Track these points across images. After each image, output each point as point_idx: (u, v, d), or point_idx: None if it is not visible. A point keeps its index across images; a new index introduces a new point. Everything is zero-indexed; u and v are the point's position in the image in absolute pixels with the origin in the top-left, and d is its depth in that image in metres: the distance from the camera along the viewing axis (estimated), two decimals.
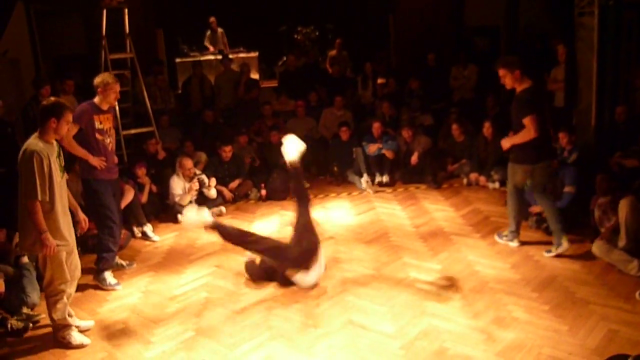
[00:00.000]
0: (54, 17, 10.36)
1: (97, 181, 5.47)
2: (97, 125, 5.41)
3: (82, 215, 4.82)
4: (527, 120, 5.42)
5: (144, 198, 7.38)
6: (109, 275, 5.61)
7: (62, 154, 4.51)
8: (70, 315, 4.61)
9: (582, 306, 4.60)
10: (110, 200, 5.53)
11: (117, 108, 8.20)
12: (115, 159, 5.78)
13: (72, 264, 4.56)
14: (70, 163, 5.85)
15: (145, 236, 6.93)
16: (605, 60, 7.43)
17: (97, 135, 5.44)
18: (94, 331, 4.72)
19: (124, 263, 6.05)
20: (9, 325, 4.65)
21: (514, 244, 5.94)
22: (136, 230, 6.98)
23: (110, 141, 5.60)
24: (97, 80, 5.42)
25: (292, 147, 5.52)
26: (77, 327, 4.62)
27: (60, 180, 4.38)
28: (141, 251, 6.54)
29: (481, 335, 4.27)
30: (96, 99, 5.43)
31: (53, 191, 4.28)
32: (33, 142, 4.27)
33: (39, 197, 4.17)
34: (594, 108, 7.61)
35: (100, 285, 5.55)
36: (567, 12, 7.99)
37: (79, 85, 9.21)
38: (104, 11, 8.15)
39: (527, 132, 5.43)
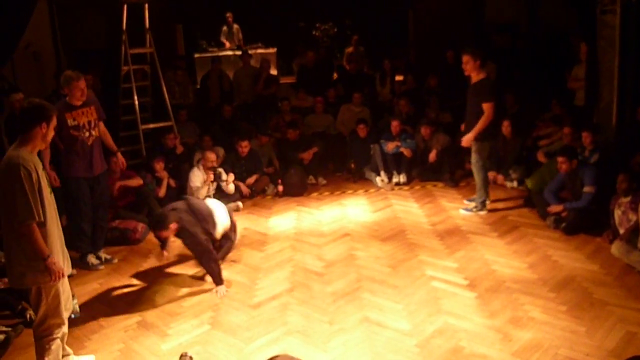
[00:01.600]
0: (76, 11, 10.47)
1: (75, 179, 5.67)
2: (70, 122, 5.52)
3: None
4: (486, 106, 6.43)
5: (162, 192, 7.44)
6: (91, 257, 5.93)
7: (45, 167, 4.05)
8: (65, 356, 4.03)
9: (600, 307, 4.55)
10: (83, 194, 5.72)
11: (136, 103, 8.33)
12: (112, 147, 6.05)
13: (65, 292, 3.91)
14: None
15: None
16: (627, 59, 7.33)
17: (72, 132, 5.54)
18: (111, 322, 4.77)
19: (106, 257, 6.13)
20: (28, 316, 4.66)
21: (484, 212, 6.88)
22: None
23: (90, 135, 5.67)
24: (62, 78, 5.58)
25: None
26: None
27: (49, 196, 3.75)
28: (158, 245, 6.58)
29: (497, 335, 4.25)
30: (68, 97, 5.57)
31: (44, 209, 3.64)
32: (15, 153, 3.58)
33: (36, 218, 3.54)
34: (615, 107, 7.51)
35: (85, 267, 5.86)
36: (589, 10, 7.89)
37: (100, 79, 9.32)
38: (125, 6, 8.21)
39: (487, 117, 6.44)
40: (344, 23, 14.77)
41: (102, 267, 5.93)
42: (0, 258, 4.90)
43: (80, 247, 5.92)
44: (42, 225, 3.62)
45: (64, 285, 3.91)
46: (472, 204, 7.03)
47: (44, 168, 3.81)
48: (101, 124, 5.86)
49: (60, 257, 3.82)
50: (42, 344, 3.80)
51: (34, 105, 3.72)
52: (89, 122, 5.66)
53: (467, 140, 6.71)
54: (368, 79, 10.93)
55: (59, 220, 3.91)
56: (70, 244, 5.87)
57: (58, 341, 3.86)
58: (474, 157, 6.80)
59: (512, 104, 9.05)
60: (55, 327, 3.83)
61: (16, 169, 3.49)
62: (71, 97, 5.53)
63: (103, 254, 6.12)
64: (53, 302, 3.77)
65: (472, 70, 6.60)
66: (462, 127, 7.13)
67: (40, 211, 3.58)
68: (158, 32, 9.45)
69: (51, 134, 3.78)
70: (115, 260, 6.13)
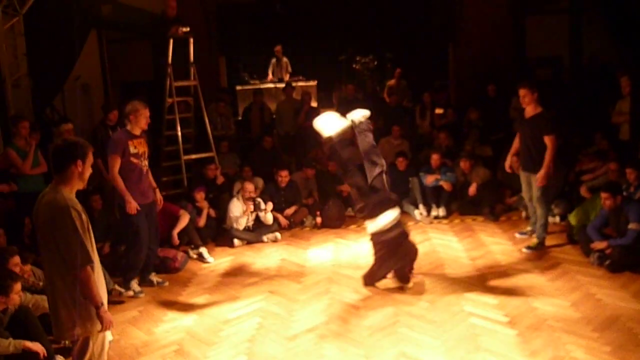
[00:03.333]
0: (124, 44, 10.84)
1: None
2: (132, 149, 5.73)
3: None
4: (549, 139, 6.42)
5: (202, 222, 7.55)
6: (134, 283, 6.02)
7: None
8: None
9: None
10: (142, 222, 5.85)
11: (179, 134, 8.53)
12: (152, 182, 6.11)
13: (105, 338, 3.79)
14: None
15: (201, 258, 7.07)
16: None
17: (133, 160, 5.75)
18: (149, 350, 4.82)
19: (158, 280, 6.31)
20: None
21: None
22: (191, 252, 7.15)
23: (145, 164, 5.89)
24: (128, 107, 5.82)
25: (328, 122, 5.95)
26: None
27: (91, 236, 3.53)
28: (197, 274, 6.67)
29: None
30: (128, 126, 5.80)
31: (94, 252, 3.50)
32: (58, 196, 3.37)
33: (93, 262, 3.41)
34: None
35: (124, 291, 5.96)
36: (633, 43, 7.81)
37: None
38: (171, 40, 8.46)
39: (552, 149, 6.43)
40: (384, 56, 14.89)
41: (142, 294, 6.00)
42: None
43: (130, 275, 6.02)
44: (92, 269, 3.44)
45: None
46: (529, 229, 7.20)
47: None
48: None
49: (105, 301, 3.61)
50: None
51: (68, 143, 3.53)
52: (144, 152, 5.90)
53: (542, 178, 6.49)
54: (408, 111, 10.96)
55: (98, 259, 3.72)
56: (116, 270, 6.07)
57: None
58: (538, 192, 6.65)
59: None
60: None
61: (66, 212, 3.31)
62: (135, 125, 5.78)
63: (155, 278, 6.28)
64: (97, 349, 3.63)
65: (530, 104, 6.58)
66: (507, 162, 7.07)
67: (91, 254, 3.42)
68: (202, 65, 9.70)
69: (88, 171, 3.56)
70: (167, 283, 6.29)
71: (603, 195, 6.20)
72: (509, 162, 7.14)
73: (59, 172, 3.46)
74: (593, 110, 9.27)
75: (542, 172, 6.49)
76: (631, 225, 5.98)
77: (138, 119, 5.74)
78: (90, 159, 3.56)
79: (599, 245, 6.14)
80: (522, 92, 6.59)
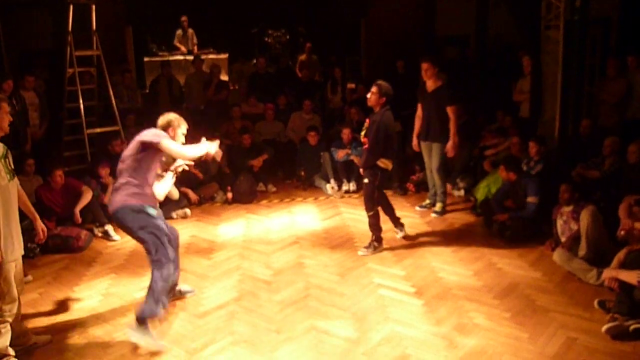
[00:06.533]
0: (20, 10, 10.15)
1: None
2: None
3: (40, 225, 4.36)
4: (451, 109, 6.82)
5: (107, 199, 7.25)
6: None
7: (9, 155, 4.00)
8: (25, 335, 4.25)
9: (542, 314, 4.66)
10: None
11: (81, 107, 8.13)
12: None
13: (17, 278, 4.03)
14: (21, 164, 5.68)
15: (106, 236, 6.81)
16: (569, 73, 7.58)
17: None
18: (51, 333, 4.58)
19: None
20: None
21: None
22: (96, 230, 6.87)
23: None
24: None
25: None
26: (35, 343, 4.31)
27: (6, 183, 3.84)
28: (102, 252, 6.42)
29: (443, 342, 4.29)
30: None
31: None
32: None
33: None
34: (557, 119, 7.76)
35: None
36: (534, 25, 8.13)
37: (44, 82, 9.05)
38: (71, 6, 7.99)
39: (456, 119, 6.85)
40: (297, 30, 14.79)
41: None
42: None
43: None
44: None
45: (18, 271, 4.00)
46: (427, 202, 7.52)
47: (5, 157, 3.90)
48: None
49: (16, 244, 3.89)
50: None
51: None
52: None
53: (451, 149, 6.96)
54: (319, 86, 10.97)
55: (15, 207, 3.96)
56: None
57: (8, 325, 3.91)
58: (437, 162, 7.09)
59: (461, 113, 9.20)
60: (6, 312, 3.87)
61: None
62: None
63: None
64: (4, 285, 3.83)
65: (431, 77, 6.93)
66: (415, 135, 7.26)
67: None
68: (106, 35, 9.27)
69: (5, 120, 3.85)
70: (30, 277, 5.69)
71: (501, 168, 6.53)
72: (415, 142, 7.40)
73: None
74: (496, 89, 9.63)
75: (450, 143, 6.90)
76: (529, 199, 6.30)
77: None
78: (5, 108, 3.85)
79: (500, 217, 6.44)
80: (425, 65, 6.90)
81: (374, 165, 5.90)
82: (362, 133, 6.07)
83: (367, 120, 6.02)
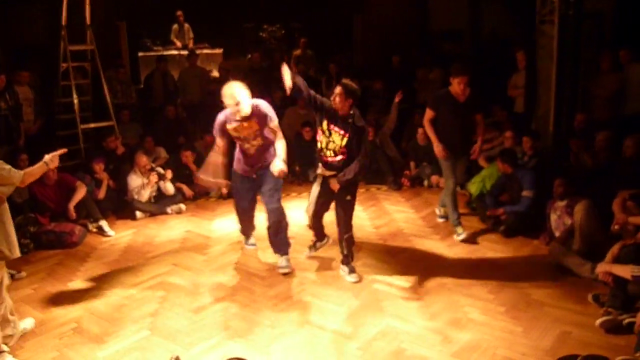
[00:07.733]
0: (14, 4, 10.09)
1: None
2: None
3: (47, 157, 4.19)
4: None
5: (102, 194, 7.25)
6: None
7: None
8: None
9: (537, 308, 4.68)
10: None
11: (75, 102, 8.10)
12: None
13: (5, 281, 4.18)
14: (15, 159, 5.66)
15: (100, 231, 6.80)
16: (564, 68, 7.58)
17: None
18: (45, 329, 4.59)
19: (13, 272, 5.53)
20: None
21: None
22: (90, 226, 6.85)
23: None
24: None
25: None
26: (22, 330, 4.39)
27: None
28: (97, 248, 6.41)
29: (438, 336, 4.30)
30: None
31: None
32: None
33: None
34: (552, 114, 7.76)
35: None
36: (528, 20, 8.13)
37: (39, 76, 8.99)
38: (65, 1, 7.94)
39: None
40: (292, 26, 14.75)
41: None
42: None
43: None
44: None
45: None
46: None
47: None
48: None
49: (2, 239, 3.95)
50: None
51: None
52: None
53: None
54: (314, 82, 10.93)
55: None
56: None
57: None
58: (463, 175, 6.92)
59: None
60: None
61: None
62: None
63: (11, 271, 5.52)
64: None
65: (467, 87, 6.01)
66: (439, 149, 6.28)
67: None
68: (100, 30, 9.21)
69: None
70: (23, 274, 5.68)
71: (498, 160, 6.52)
72: (440, 149, 6.21)
73: None
74: (491, 84, 9.62)
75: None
76: (525, 193, 6.31)
77: None
78: None
79: (495, 211, 6.44)
80: (464, 79, 5.98)
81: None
82: (342, 143, 5.05)
83: (338, 129, 5.09)
